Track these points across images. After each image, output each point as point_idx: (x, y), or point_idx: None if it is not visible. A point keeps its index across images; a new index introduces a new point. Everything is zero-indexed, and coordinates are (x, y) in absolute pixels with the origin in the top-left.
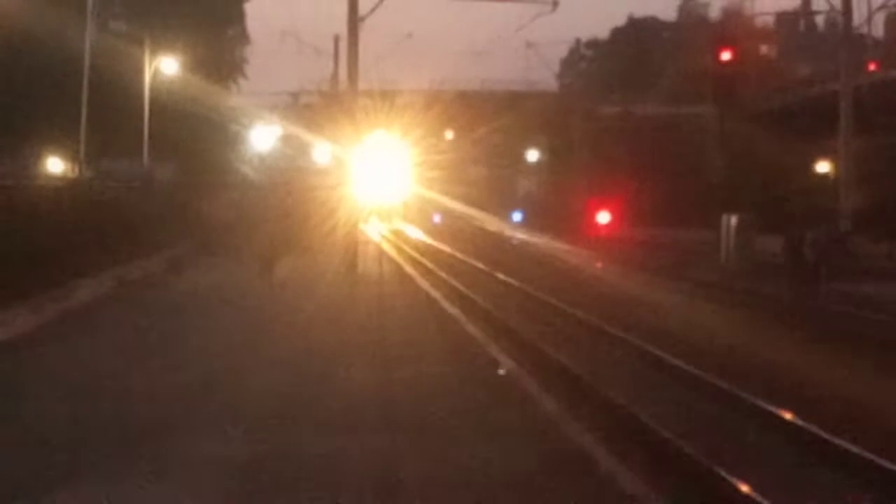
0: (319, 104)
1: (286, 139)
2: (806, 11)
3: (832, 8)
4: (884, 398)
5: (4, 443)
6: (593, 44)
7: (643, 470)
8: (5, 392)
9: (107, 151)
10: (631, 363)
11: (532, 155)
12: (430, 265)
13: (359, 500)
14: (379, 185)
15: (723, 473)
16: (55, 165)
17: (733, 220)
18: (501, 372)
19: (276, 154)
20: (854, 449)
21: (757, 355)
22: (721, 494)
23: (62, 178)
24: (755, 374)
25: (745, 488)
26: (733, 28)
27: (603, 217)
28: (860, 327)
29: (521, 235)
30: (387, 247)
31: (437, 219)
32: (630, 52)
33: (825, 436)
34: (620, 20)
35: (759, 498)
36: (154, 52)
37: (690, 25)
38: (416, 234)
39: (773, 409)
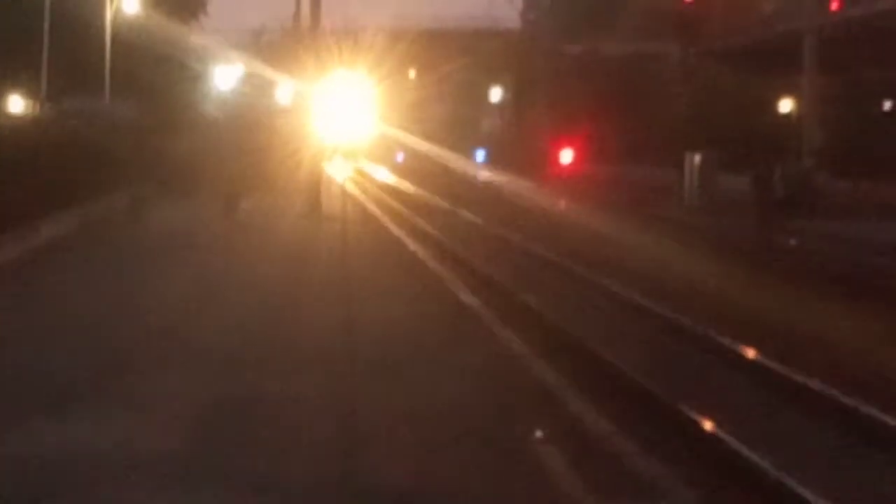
0: (282, 42)
1: (249, 78)
2: None
3: None
4: (833, 330)
5: None
6: None
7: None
8: None
9: (68, 90)
10: (590, 299)
11: (495, 94)
12: (394, 204)
13: (319, 437)
14: (342, 124)
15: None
16: (16, 104)
17: (697, 157)
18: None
19: (238, 93)
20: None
21: (716, 291)
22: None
23: (23, 117)
24: (709, 307)
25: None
26: None
27: (566, 156)
28: (824, 263)
29: (484, 174)
30: (351, 186)
31: (400, 157)
32: None
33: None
34: None
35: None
36: None
37: None
38: (380, 173)
39: (716, 337)
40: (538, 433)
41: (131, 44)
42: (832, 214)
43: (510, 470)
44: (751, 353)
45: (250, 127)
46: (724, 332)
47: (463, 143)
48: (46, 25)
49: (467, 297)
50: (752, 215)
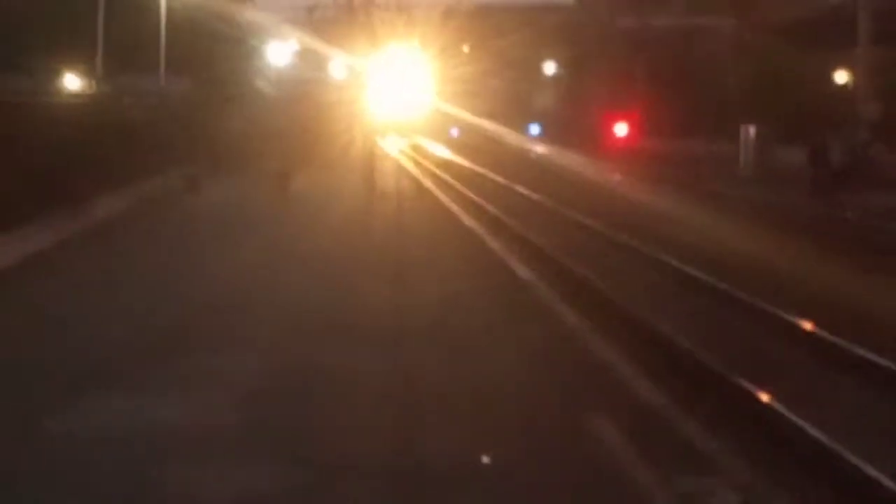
0: (335, 18)
1: (302, 54)
2: None
3: None
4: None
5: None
6: None
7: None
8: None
9: (124, 68)
10: (646, 273)
11: (549, 68)
12: (449, 179)
13: (376, 410)
14: (396, 100)
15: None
16: (72, 82)
17: (752, 130)
18: None
19: (292, 69)
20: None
21: (776, 266)
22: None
23: (79, 95)
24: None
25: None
26: None
27: (620, 129)
28: (884, 239)
29: (539, 149)
30: (405, 161)
31: (454, 132)
32: None
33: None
34: None
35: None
36: None
37: None
38: (435, 148)
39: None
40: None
41: (186, 21)
42: (889, 187)
43: None
44: (806, 323)
45: (304, 103)
46: (778, 304)
47: (517, 118)
48: (101, 3)
49: (525, 273)
50: (808, 188)
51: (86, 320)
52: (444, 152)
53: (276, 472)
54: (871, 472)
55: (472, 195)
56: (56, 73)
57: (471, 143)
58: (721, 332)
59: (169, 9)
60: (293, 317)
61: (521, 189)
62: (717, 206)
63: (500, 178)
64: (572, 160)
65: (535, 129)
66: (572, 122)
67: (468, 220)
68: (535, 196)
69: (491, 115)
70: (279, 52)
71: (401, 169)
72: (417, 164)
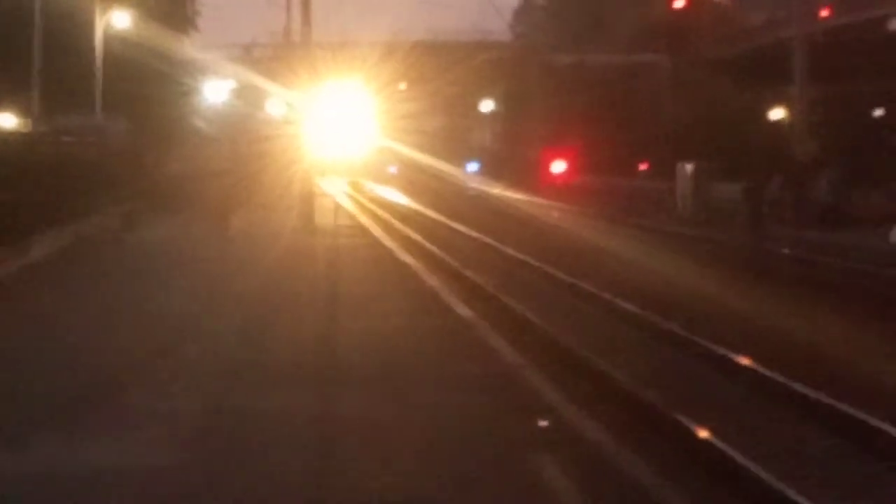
0: (273, 56)
1: (240, 92)
2: None
3: None
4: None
5: None
6: None
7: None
8: None
9: (60, 107)
10: (582, 308)
11: (486, 105)
12: (386, 217)
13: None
14: (335, 137)
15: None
16: (7, 121)
17: (689, 167)
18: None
19: (230, 107)
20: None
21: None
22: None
23: (14, 134)
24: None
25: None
26: None
27: (558, 166)
28: (810, 271)
29: (476, 185)
30: (343, 199)
31: (393, 169)
32: (584, 1)
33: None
34: None
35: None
36: (105, 6)
37: None
38: (373, 185)
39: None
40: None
41: (122, 60)
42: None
43: None
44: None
45: (243, 141)
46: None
47: (456, 155)
48: (37, 42)
49: (463, 311)
50: (745, 224)
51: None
52: (383, 189)
53: None
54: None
55: (408, 231)
56: None
57: (410, 180)
58: (659, 367)
59: (105, 48)
60: (223, 360)
61: (457, 226)
62: (651, 242)
63: (437, 216)
64: (509, 197)
65: (472, 167)
66: (510, 159)
67: (403, 256)
68: (471, 233)
69: (431, 152)
70: (217, 90)
71: (339, 207)
72: (356, 201)
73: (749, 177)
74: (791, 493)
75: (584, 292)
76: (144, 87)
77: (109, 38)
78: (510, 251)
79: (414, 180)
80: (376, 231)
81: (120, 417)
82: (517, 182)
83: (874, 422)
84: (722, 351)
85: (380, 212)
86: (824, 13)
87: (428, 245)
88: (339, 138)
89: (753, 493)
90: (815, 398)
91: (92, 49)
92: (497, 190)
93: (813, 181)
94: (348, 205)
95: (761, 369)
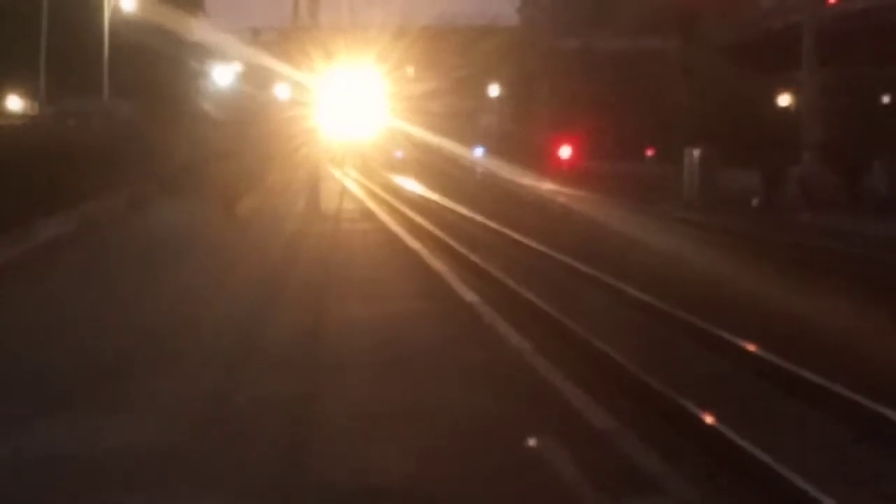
0: (280, 40)
1: (248, 75)
2: None
3: None
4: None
5: None
6: None
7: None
8: None
9: (67, 89)
10: (585, 291)
11: (493, 90)
12: (393, 202)
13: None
14: (342, 121)
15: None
16: (14, 104)
17: (696, 153)
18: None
19: (238, 91)
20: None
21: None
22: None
23: (22, 116)
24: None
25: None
26: None
27: (565, 151)
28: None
29: (483, 169)
30: (350, 183)
31: (399, 154)
32: None
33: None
34: None
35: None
36: None
37: None
38: (381, 169)
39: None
40: None
41: (129, 43)
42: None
43: None
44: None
45: (250, 124)
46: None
47: (464, 138)
48: (44, 25)
49: (470, 296)
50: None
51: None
52: (390, 174)
53: None
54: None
55: (415, 216)
56: None
57: (417, 164)
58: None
59: (112, 30)
60: (229, 341)
61: (463, 210)
62: (657, 230)
63: (444, 200)
64: (516, 182)
65: (479, 151)
66: (518, 143)
67: (410, 241)
68: (477, 218)
69: (440, 135)
70: (225, 73)
71: (345, 191)
72: (363, 186)
73: (767, 161)
74: None
75: (579, 274)
76: (152, 70)
77: (117, 21)
78: (514, 235)
79: (421, 163)
80: (382, 215)
81: (124, 398)
82: (525, 166)
83: None
84: None
85: (387, 197)
86: None
87: (431, 228)
88: (347, 121)
89: None
90: None
91: (100, 32)
92: (504, 173)
93: (858, 169)
94: (355, 189)
95: None
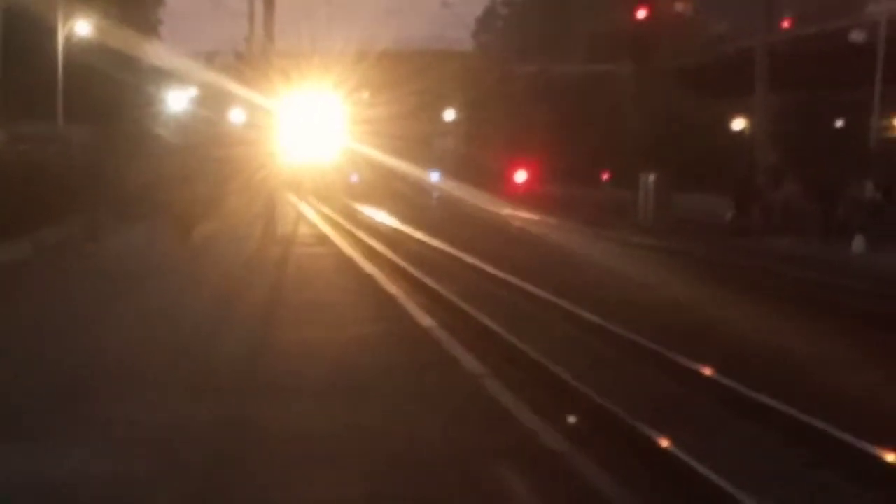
0: (235, 65)
1: (203, 100)
2: None
3: None
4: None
5: None
6: (509, 2)
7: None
8: None
9: (21, 115)
10: (538, 314)
11: (449, 115)
12: (349, 226)
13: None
14: (299, 145)
15: None
16: None
17: (651, 177)
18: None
19: (193, 115)
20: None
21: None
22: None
23: None
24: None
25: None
26: None
27: (520, 176)
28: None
29: (438, 194)
30: (306, 208)
31: (354, 178)
32: (546, 11)
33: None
34: None
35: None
36: (67, 15)
37: None
38: (338, 193)
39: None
40: None
41: (84, 68)
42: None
43: None
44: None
45: (206, 148)
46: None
47: (421, 162)
48: None
49: (426, 321)
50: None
51: None
52: (345, 199)
53: None
54: None
55: (370, 241)
56: None
57: (373, 188)
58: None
59: (66, 55)
60: (187, 369)
61: (419, 235)
62: (612, 253)
63: (400, 225)
64: (471, 205)
65: (435, 175)
66: (473, 167)
67: (367, 266)
68: (434, 243)
69: (397, 159)
70: (180, 98)
71: (301, 216)
72: (319, 211)
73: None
74: None
75: (533, 297)
76: (107, 95)
77: (72, 45)
78: (469, 260)
79: (378, 187)
80: (337, 240)
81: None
82: (481, 190)
83: None
84: None
85: (342, 221)
86: (786, 24)
87: (387, 254)
88: (304, 145)
89: None
90: None
91: (54, 57)
92: (461, 197)
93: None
94: (312, 214)
95: None
